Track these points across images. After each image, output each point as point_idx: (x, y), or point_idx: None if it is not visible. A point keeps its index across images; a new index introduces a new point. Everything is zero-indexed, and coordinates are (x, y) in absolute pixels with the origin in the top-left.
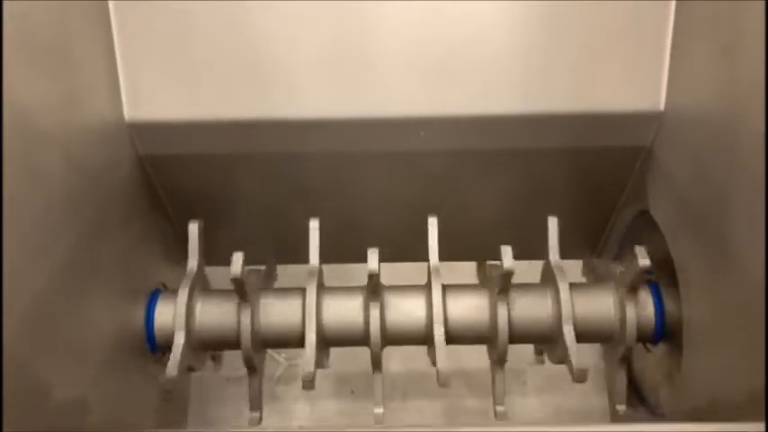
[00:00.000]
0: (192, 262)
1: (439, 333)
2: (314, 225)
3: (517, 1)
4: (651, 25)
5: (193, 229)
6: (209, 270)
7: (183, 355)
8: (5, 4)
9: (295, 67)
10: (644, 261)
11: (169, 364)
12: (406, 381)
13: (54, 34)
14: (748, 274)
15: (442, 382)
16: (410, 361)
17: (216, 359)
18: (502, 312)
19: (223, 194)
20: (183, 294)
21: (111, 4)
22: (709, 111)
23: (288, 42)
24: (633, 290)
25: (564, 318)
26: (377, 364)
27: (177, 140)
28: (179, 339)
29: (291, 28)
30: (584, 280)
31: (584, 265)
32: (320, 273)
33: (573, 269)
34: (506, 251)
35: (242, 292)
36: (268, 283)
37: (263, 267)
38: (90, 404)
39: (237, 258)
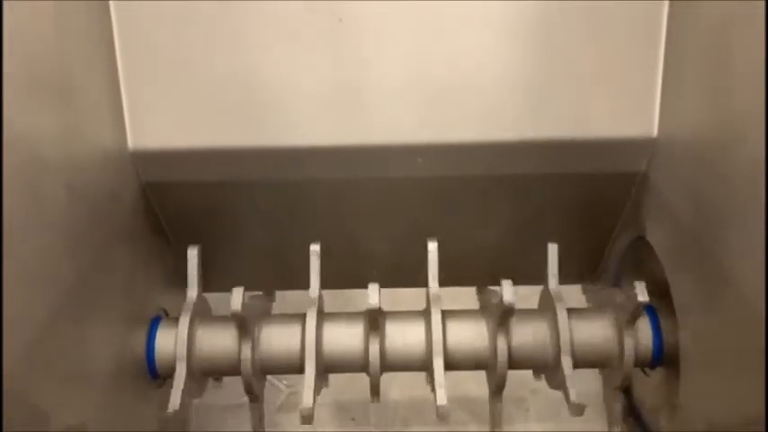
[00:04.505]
0: (192, 290)
1: (438, 364)
2: (314, 249)
3: (511, 30)
4: (643, 52)
5: (192, 254)
6: (210, 296)
7: (185, 385)
8: (10, 36)
9: (294, 95)
10: (643, 297)
11: (171, 394)
12: (407, 408)
13: (58, 64)
14: (743, 298)
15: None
16: (410, 388)
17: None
18: (501, 339)
19: (224, 221)
20: (183, 323)
21: (115, 35)
22: (701, 136)
23: (287, 72)
24: (631, 321)
25: (562, 348)
26: (375, 390)
27: (179, 168)
28: (181, 370)
29: (290, 59)
30: (581, 304)
31: (584, 290)
32: (320, 299)
33: (570, 294)
34: (507, 285)
35: (242, 325)
36: (267, 305)
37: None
38: (90, 430)
39: (237, 293)
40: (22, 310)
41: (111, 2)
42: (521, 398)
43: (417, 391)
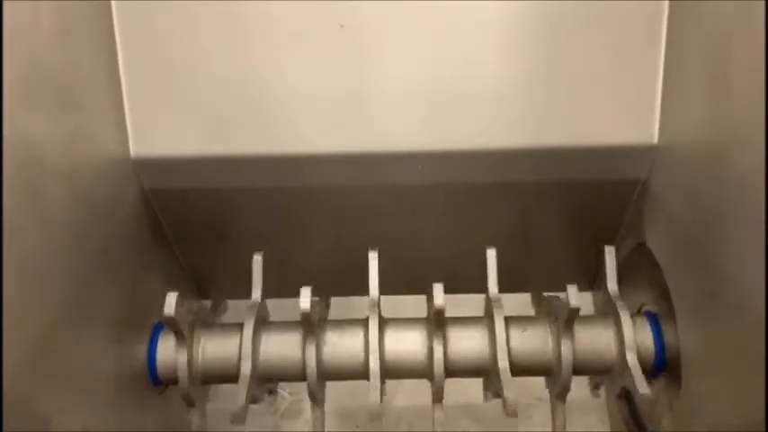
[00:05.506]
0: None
1: (438, 363)
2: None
3: (511, 38)
4: (644, 59)
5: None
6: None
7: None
8: (10, 36)
9: (295, 103)
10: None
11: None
12: (411, 416)
13: (59, 67)
14: (743, 303)
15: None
16: (415, 396)
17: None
18: (502, 345)
19: (225, 228)
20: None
21: (118, 43)
22: (701, 143)
23: (288, 80)
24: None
25: (563, 355)
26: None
27: (181, 175)
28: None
29: (291, 67)
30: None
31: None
32: (325, 305)
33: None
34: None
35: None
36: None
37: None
38: None
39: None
40: (23, 313)
41: (113, 2)
42: (525, 405)
43: (422, 399)
